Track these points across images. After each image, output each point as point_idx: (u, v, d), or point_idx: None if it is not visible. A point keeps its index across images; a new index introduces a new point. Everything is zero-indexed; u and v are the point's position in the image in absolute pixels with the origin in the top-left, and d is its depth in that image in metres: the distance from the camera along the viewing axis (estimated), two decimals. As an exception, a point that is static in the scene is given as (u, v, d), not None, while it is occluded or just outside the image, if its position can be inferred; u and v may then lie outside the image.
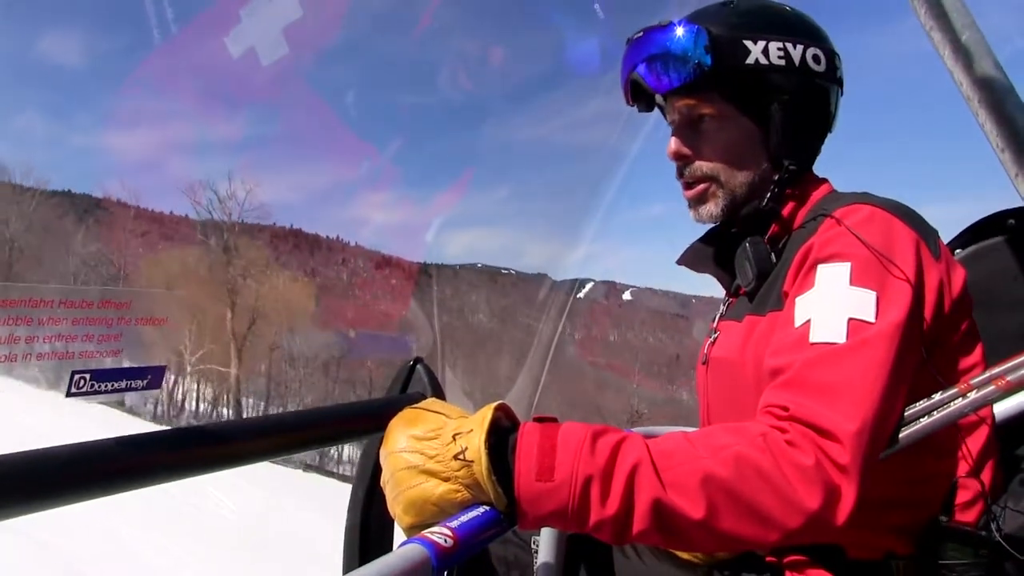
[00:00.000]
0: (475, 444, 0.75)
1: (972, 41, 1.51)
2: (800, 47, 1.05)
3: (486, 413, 0.78)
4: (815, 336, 0.84)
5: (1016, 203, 1.41)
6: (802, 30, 1.08)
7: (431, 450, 0.77)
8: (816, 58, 1.06)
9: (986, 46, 1.51)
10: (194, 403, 34.03)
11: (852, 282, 0.87)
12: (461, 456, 0.75)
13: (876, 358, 0.81)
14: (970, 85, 1.50)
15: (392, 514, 0.79)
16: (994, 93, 1.47)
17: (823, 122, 1.11)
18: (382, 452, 0.82)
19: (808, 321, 0.86)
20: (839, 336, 0.83)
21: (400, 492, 0.77)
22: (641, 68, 1.08)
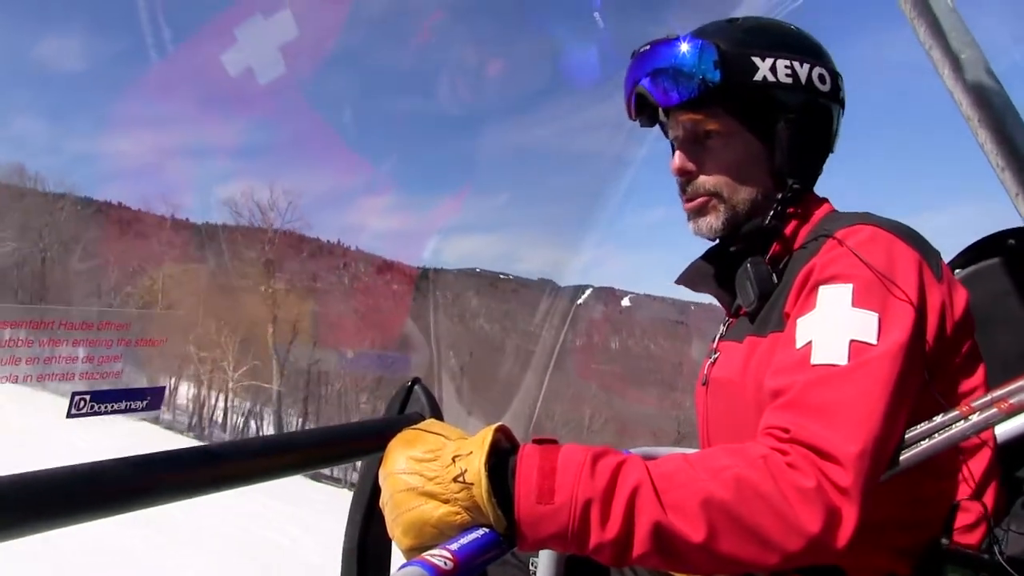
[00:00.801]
0: (475, 466, 0.74)
1: (971, 60, 1.52)
2: (807, 66, 1.06)
3: (486, 435, 0.77)
4: (816, 358, 0.84)
5: (1017, 223, 1.41)
6: (808, 49, 1.08)
7: (430, 472, 0.76)
8: (822, 77, 1.07)
9: (986, 65, 1.51)
10: (236, 417, 33.38)
11: (854, 304, 0.86)
12: (461, 478, 0.74)
13: (878, 380, 0.81)
14: (970, 104, 1.50)
15: (391, 535, 0.78)
16: (994, 112, 1.47)
17: (825, 142, 1.11)
18: (381, 473, 0.81)
19: (809, 343, 0.86)
20: (841, 358, 0.83)
21: (399, 514, 0.76)
22: (646, 82, 1.08)
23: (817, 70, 1.07)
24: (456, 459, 0.76)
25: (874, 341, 0.83)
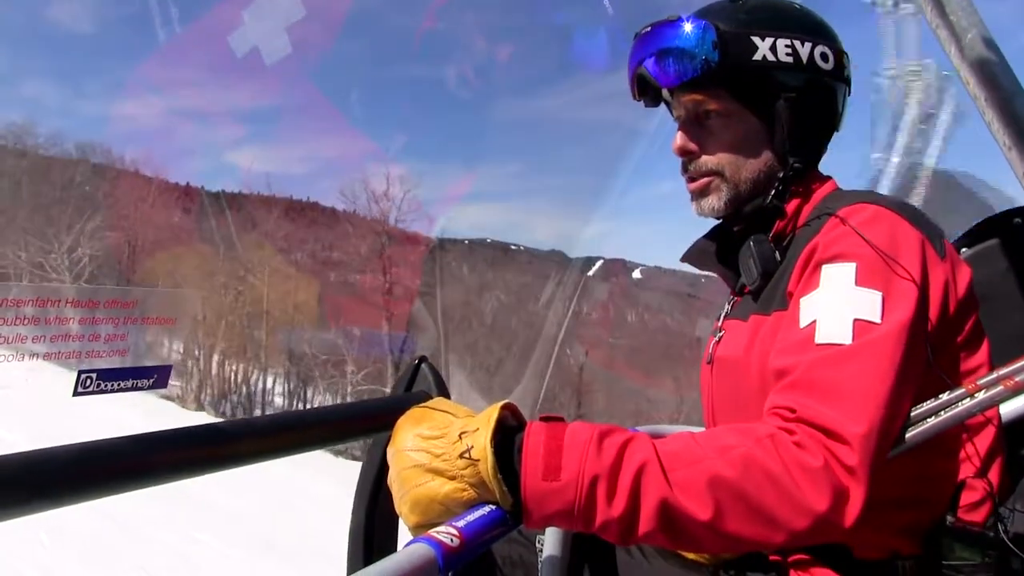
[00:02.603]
0: (481, 443, 0.74)
1: (978, 39, 1.50)
2: (808, 45, 1.05)
3: (492, 412, 0.77)
4: (821, 337, 0.84)
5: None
6: (810, 27, 1.07)
7: (437, 449, 0.77)
8: (824, 56, 1.06)
9: (993, 44, 1.50)
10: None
11: (858, 282, 0.86)
12: (467, 455, 0.75)
13: (883, 359, 0.81)
14: (977, 83, 1.49)
15: (398, 512, 0.79)
16: (1001, 91, 1.47)
17: (829, 121, 1.11)
18: (389, 450, 0.82)
19: (814, 322, 0.86)
20: (845, 337, 0.83)
21: (406, 491, 0.77)
22: (648, 63, 1.08)
23: (819, 49, 1.06)
24: (463, 436, 0.76)
25: (878, 320, 0.83)
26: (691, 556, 1.05)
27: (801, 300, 0.90)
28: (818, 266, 0.91)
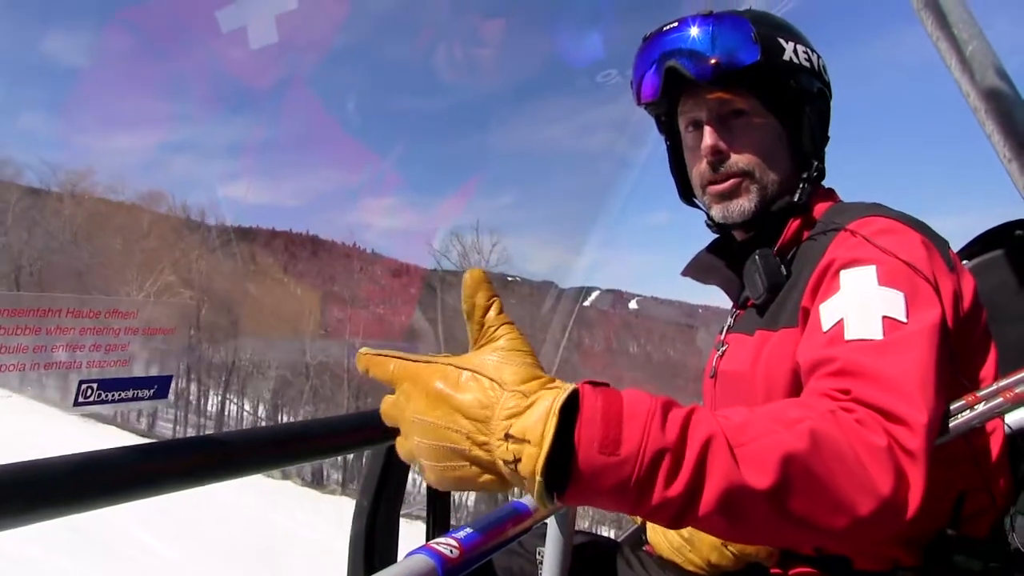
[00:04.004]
0: (537, 432, 0.61)
1: (979, 51, 1.51)
2: (815, 54, 1.08)
3: (552, 400, 0.62)
4: (850, 334, 0.82)
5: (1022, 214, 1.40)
6: (807, 39, 1.09)
7: (480, 436, 0.63)
8: (824, 67, 1.09)
9: (993, 56, 1.51)
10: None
11: (880, 283, 0.85)
12: (513, 438, 0.62)
13: (921, 352, 0.79)
14: (977, 96, 1.49)
15: (422, 470, 0.67)
16: (1002, 103, 1.47)
17: (827, 129, 1.12)
18: (411, 409, 0.66)
19: (840, 320, 0.84)
20: (876, 333, 0.81)
21: (435, 465, 0.65)
22: (679, 56, 1.05)
23: (821, 60, 1.09)
24: (512, 418, 0.62)
25: (904, 319, 0.82)
26: (691, 567, 1.04)
27: (821, 307, 0.88)
28: (836, 274, 0.90)
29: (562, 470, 0.62)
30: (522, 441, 0.62)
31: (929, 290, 0.85)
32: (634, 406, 0.64)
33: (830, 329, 0.84)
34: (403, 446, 0.68)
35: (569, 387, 0.64)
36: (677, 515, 0.65)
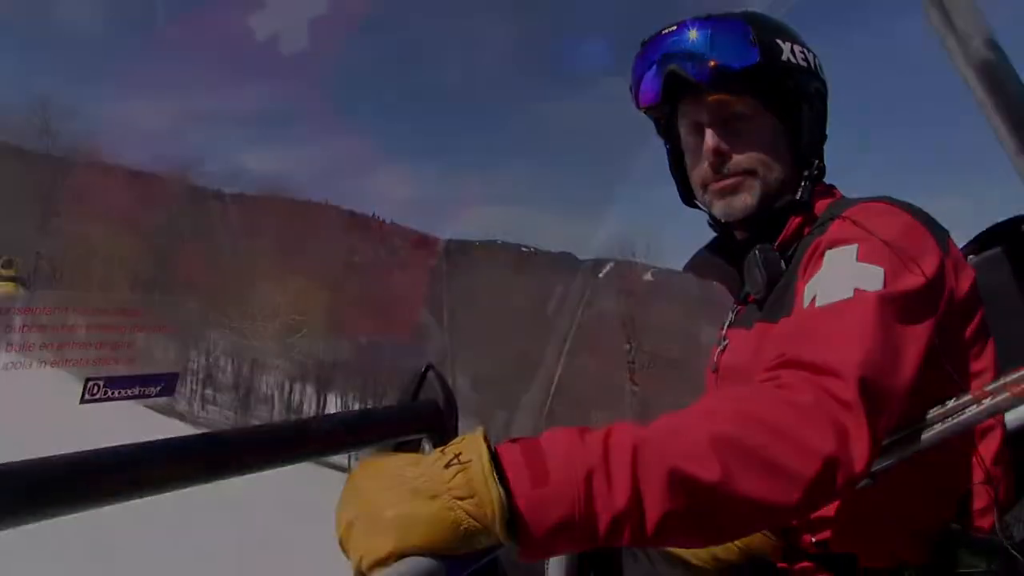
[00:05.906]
0: (472, 446, 0.64)
1: (984, 45, 1.50)
2: (811, 54, 1.08)
3: (474, 432, 0.67)
4: (818, 304, 0.84)
5: None
6: (803, 40, 1.09)
7: (412, 471, 0.64)
8: (821, 67, 1.10)
9: (999, 50, 1.50)
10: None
11: (859, 259, 0.86)
12: (455, 461, 0.63)
13: (869, 312, 0.79)
14: (983, 90, 1.49)
15: (355, 554, 0.64)
16: (1007, 97, 1.46)
17: (825, 127, 1.13)
18: (345, 492, 0.67)
19: (814, 298, 0.85)
20: (839, 299, 0.82)
21: (375, 515, 0.63)
22: (682, 60, 1.06)
23: (817, 59, 1.10)
24: (444, 450, 0.65)
25: (880, 288, 0.82)
26: (696, 561, 1.05)
27: (804, 287, 0.89)
28: (822, 255, 0.91)
29: (510, 526, 0.61)
30: (457, 442, 0.65)
31: (911, 266, 0.85)
32: (551, 439, 0.66)
33: (805, 308, 0.86)
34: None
35: (480, 439, 0.65)
36: (635, 527, 0.64)
